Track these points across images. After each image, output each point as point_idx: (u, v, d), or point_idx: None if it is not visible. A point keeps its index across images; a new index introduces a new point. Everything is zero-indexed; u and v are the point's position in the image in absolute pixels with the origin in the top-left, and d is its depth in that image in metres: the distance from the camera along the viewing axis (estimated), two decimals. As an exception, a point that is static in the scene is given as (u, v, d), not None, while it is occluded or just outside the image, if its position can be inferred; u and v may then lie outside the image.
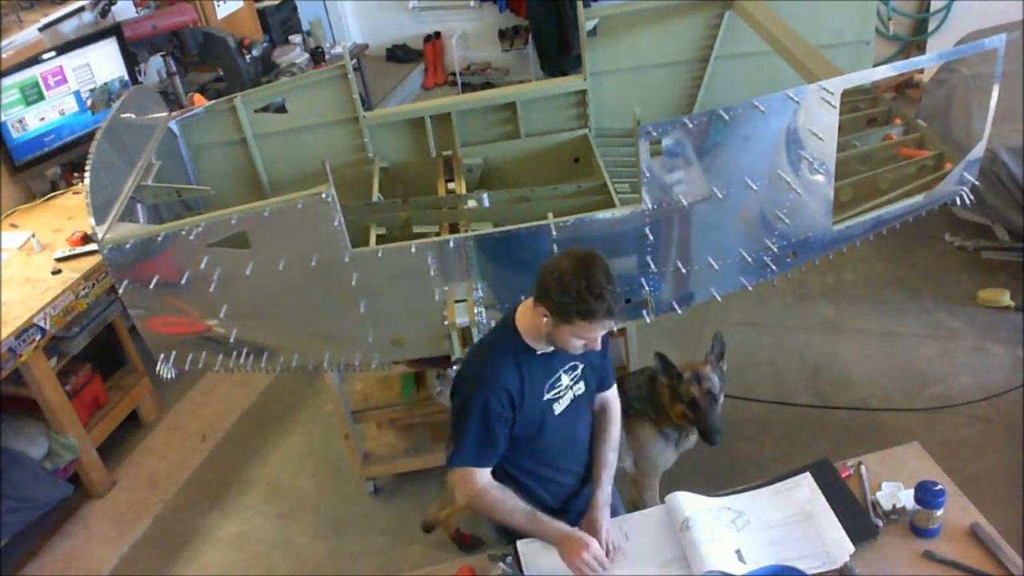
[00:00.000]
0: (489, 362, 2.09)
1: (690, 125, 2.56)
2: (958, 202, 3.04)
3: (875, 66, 3.30)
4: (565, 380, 2.18)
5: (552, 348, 2.09)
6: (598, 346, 2.06)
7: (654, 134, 2.55)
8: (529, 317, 2.06)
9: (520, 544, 2.23)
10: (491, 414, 2.04)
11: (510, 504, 2.12)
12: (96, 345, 3.86)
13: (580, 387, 2.22)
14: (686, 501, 2.22)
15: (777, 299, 4.39)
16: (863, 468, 2.29)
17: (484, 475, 2.11)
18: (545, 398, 2.14)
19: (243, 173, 3.63)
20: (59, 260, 3.60)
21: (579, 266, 1.95)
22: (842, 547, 2.07)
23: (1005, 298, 4.12)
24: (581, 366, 2.21)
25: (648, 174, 2.61)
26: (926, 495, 2.07)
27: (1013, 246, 4.40)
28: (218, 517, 3.68)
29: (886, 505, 2.17)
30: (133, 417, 4.13)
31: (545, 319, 1.99)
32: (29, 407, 3.58)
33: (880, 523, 2.13)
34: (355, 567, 3.37)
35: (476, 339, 2.69)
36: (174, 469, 3.94)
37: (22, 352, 3.28)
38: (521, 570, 2.16)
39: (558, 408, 2.17)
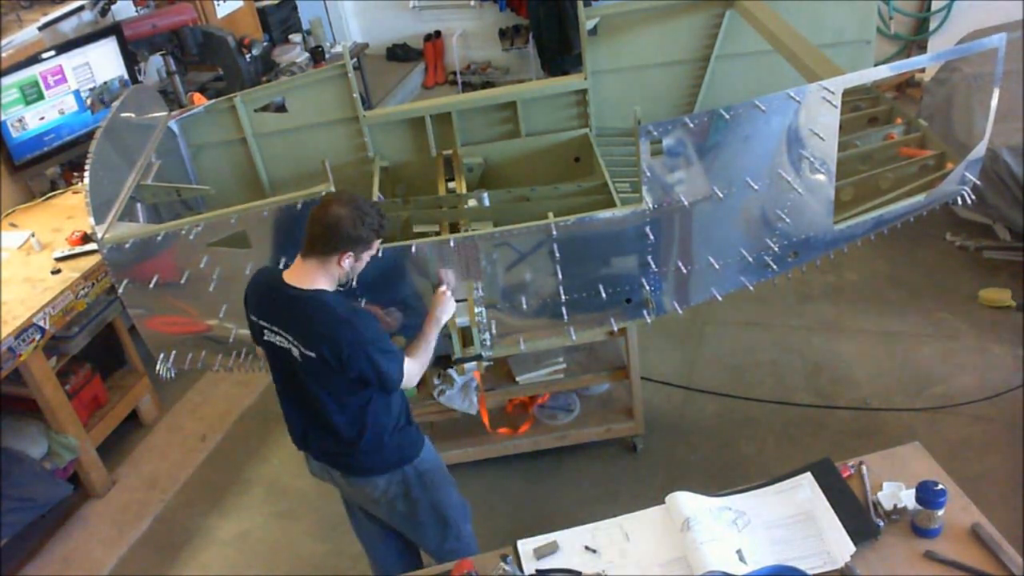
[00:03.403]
0: (349, 303, 2.41)
1: (691, 124, 2.56)
2: (959, 201, 3.03)
3: (876, 65, 3.29)
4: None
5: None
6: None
7: (655, 133, 2.55)
8: (317, 272, 2.31)
9: (520, 544, 2.23)
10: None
11: (417, 346, 2.50)
12: (96, 345, 3.86)
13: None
14: (686, 501, 2.21)
15: (778, 299, 4.38)
16: (864, 468, 2.29)
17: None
18: None
19: (243, 172, 3.62)
20: (59, 260, 3.60)
21: (351, 205, 2.27)
22: (843, 547, 2.07)
23: (1006, 298, 4.12)
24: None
25: (649, 173, 2.61)
26: (927, 495, 2.06)
27: (1014, 245, 4.40)
28: (218, 517, 3.68)
29: (887, 505, 2.17)
30: (133, 417, 4.13)
31: (348, 260, 2.30)
32: (29, 407, 3.58)
33: (881, 523, 2.13)
34: (355, 567, 3.36)
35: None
36: (174, 469, 3.94)
37: (22, 352, 3.27)
38: (521, 570, 2.16)
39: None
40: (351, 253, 2.29)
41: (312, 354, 2.30)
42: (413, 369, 2.44)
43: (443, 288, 2.67)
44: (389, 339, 2.41)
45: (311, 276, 2.32)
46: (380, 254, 2.54)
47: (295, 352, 2.35)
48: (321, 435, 2.51)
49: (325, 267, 2.30)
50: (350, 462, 2.54)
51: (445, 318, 2.62)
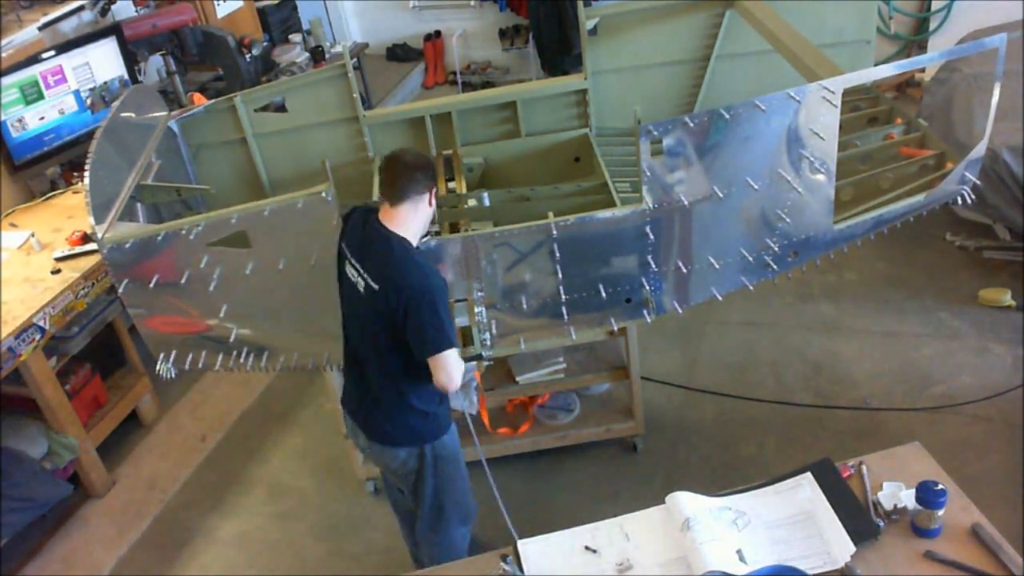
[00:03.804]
0: (428, 264, 2.47)
1: (691, 124, 2.56)
2: (959, 201, 3.03)
3: (876, 65, 3.29)
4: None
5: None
6: None
7: (655, 133, 2.55)
8: (410, 220, 2.46)
9: (520, 544, 2.23)
10: (447, 302, 2.46)
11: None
12: (96, 345, 3.86)
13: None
14: (687, 501, 2.21)
15: (778, 298, 4.39)
16: (864, 468, 2.29)
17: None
18: None
19: (243, 172, 3.62)
20: (59, 260, 3.60)
21: (410, 151, 2.53)
22: (843, 547, 2.07)
23: (1006, 298, 4.12)
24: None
25: (649, 173, 2.61)
26: (927, 495, 2.06)
27: (1014, 245, 4.40)
28: (218, 517, 3.68)
29: (887, 505, 2.17)
30: (133, 417, 4.13)
31: (432, 195, 2.50)
32: (29, 407, 3.58)
33: (881, 523, 2.13)
34: (355, 567, 3.37)
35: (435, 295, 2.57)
36: (174, 469, 3.94)
37: (22, 352, 3.27)
38: (521, 569, 2.16)
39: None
40: (435, 189, 2.50)
41: (376, 287, 2.40)
42: (457, 361, 2.44)
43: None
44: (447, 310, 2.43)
45: (403, 221, 2.45)
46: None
47: (361, 285, 2.44)
48: (361, 391, 2.60)
49: (417, 209, 2.46)
50: (376, 425, 2.60)
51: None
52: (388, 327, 2.41)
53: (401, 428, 2.57)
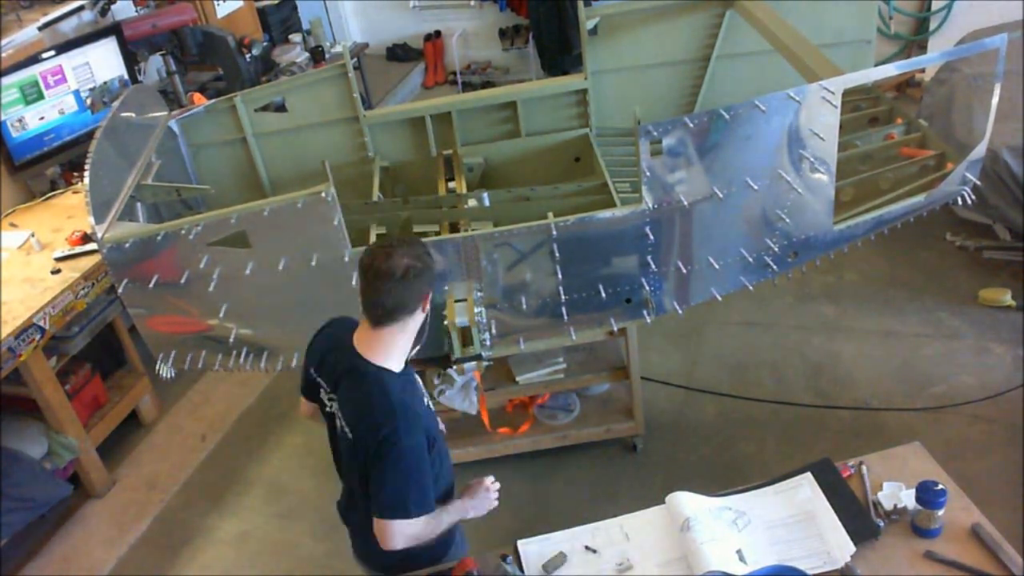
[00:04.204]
0: (403, 408, 2.00)
1: (691, 124, 2.56)
2: (959, 202, 3.03)
3: (876, 65, 3.29)
4: (415, 376, 2.18)
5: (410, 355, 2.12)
6: None
7: (655, 133, 2.55)
8: (391, 342, 2.03)
9: (520, 544, 2.23)
10: (421, 459, 2.01)
11: (435, 517, 2.09)
12: (96, 345, 3.86)
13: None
14: (687, 501, 2.21)
15: (778, 299, 4.39)
16: (864, 468, 2.29)
17: (422, 518, 2.06)
18: (426, 403, 2.17)
19: (243, 172, 3.62)
20: (59, 260, 3.60)
21: (402, 246, 1.99)
22: (843, 547, 2.07)
23: (1006, 298, 4.12)
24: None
25: (649, 173, 2.61)
26: (927, 495, 2.06)
27: (1014, 245, 4.40)
28: (218, 517, 3.68)
29: (887, 505, 2.17)
30: (133, 417, 4.13)
31: (428, 305, 2.06)
32: (29, 407, 3.58)
33: (881, 523, 2.13)
34: (355, 567, 3.35)
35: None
36: (174, 469, 3.94)
37: (22, 352, 3.27)
38: (521, 570, 2.16)
39: (428, 402, 2.21)
40: (429, 292, 2.05)
41: (350, 435, 2.05)
42: (411, 530, 2.03)
43: (490, 481, 2.24)
44: (427, 470, 2.05)
45: (383, 347, 2.04)
46: None
47: (337, 422, 2.12)
48: (348, 505, 2.35)
49: (406, 328, 2.03)
50: (359, 548, 2.35)
51: (472, 514, 2.20)
52: (363, 472, 2.05)
53: (382, 560, 2.23)
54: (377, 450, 1.97)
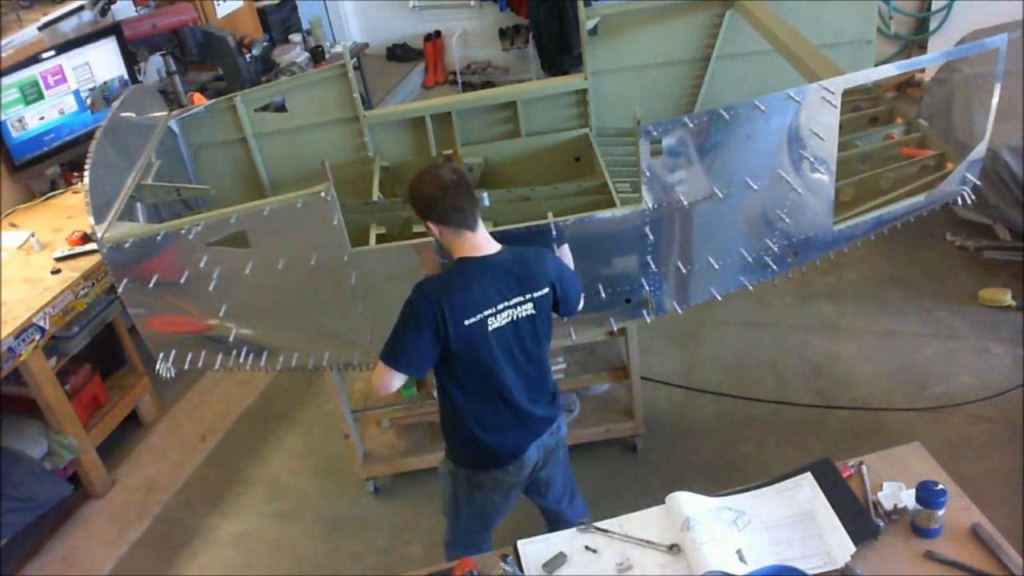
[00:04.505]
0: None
1: (690, 124, 2.56)
2: (959, 202, 3.03)
3: (876, 65, 3.29)
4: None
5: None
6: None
7: (654, 133, 2.55)
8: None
9: (520, 544, 2.23)
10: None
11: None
12: (96, 345, 3.86)
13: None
14: (687, 501, 2.21)
15: (778, 298, 4.39)
16: (864, 468, 2.29)
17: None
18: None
19: (243, 172, 3.62)
20: (58, 260, 3.60)
21: (440, 167, 2.34)
22: (843, 547, 2.07)
23: (1006, 298, 4.12)
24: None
25: (648, 173, 2.61)
26: (927, 495, 2.06)
27: (1014, 245, 4.40)
28: (218, 517, 3.68)
29: (887, 505, 2.17)
30: (133, 417, 4.13)
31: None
32: (29, 407, 3.58)
33: (881, 523, 2.13)
34: (355, 567, 3.36)
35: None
36: (174, 469, 3.94)
37: (22, 352, 3.27)
38: (521, 569, 2.16)
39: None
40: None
41: (544, 291, 2.35)
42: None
43: None
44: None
45: (489, 238, 2.36)
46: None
47: (527, 309, 2.33)
48: (538, 397, 2.50)
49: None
50: (552, 407, 2.57)
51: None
52: (549, 316, 2.44)
53: (557, 392, 2.60)
54: (561, 274, 2.43)
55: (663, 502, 2.26)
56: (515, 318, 2.33)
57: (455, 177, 2.28)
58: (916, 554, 2.06)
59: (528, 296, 2.33)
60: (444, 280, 2.31)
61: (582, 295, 2.52)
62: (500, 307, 2.30)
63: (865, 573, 2.02)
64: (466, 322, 2.26)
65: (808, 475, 2.28)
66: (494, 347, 2.32)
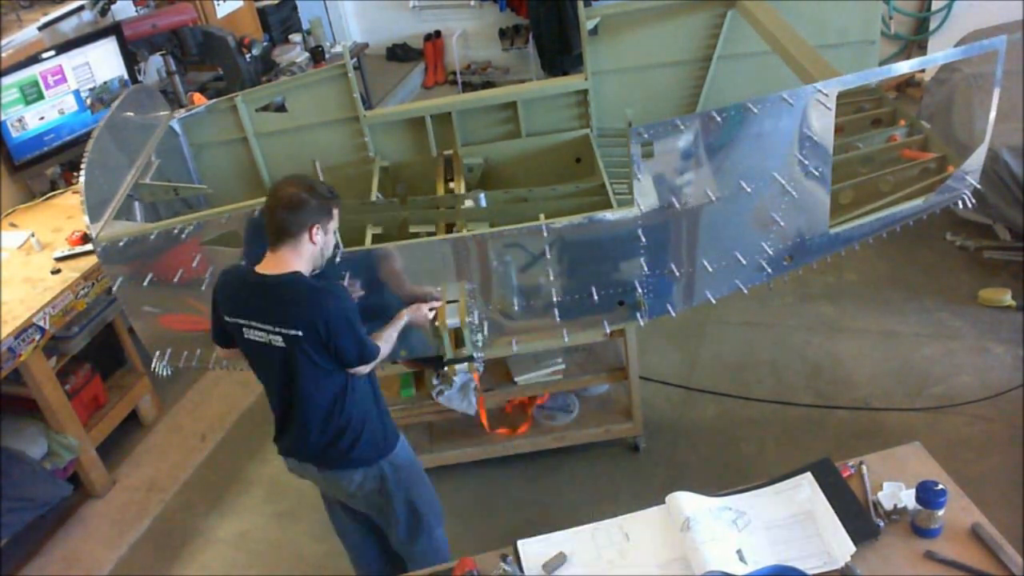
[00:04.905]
0: (328, 283, 2.43)
1: (682, 127, 2.55)
2: (960, 204, 3.02)
3: (879, 65, 3.29)
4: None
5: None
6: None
7: (645, 136, 2.53)
8: (295, 258, 2.34)
9: (520, 544, 2.23)
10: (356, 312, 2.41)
11: (385, 336, 2.56)
12: (96, 345, 3.86)
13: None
14: (687, 501, 2.21)
15: (778, 299, 4.38)
16: (864, 468, 2.29)
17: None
18: None
19: (245, 172, 3.62)
20: (58, 260, 3.60)
21: (297, 182, 2.34)
22: (843, 547, 2.07)
23: (1006, 298, 4.12)
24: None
25: (640, 176, 2.60)
26: (927, 495, 2.06)
27: (1014, 245, 4.40)
28: (218, 517, 3.68)
29: (887, 505, 2.16)
30: (133, 417, 4.13)
31: (318, 233, 2.34)
32: (29, 407, 3.58)
33: (881, 523, 2.13)
34: (354, 567, 3.36)
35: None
36: (174, 469, 3.94)
37: (22, 352, 3.27)
38: (521, 570, 2.16)
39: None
40: (318, 225, 2.33)
41: (297, 332, 2.32)
42: (382, 351, 2.51)
43: (430, 305, 2.71)
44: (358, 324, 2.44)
45: (285, 262, 2.34)
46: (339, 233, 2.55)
47: (277, 340, 2.36)
48: (299, 430, 2.53)
49: (298, 250, 2.33)
50: (326, 455, 2.56)
51: (404, 322, 2.67)
52: (315, 359, 2.37)
53: (351, 450, 2.53)
54: (333, 327, 2.31)
55: (663, 502, 2.26)
56: (268, 341, 2.38)
57: (274, 197, 2.34)
58: (916, 554, 2.06)
59: (275, 329, 2.34)
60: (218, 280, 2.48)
61: (369, 359, 2.43)
62: (252, 323, 2.38)
63: (865, 573, 2.02)
64: (226, 318, 2.42)
65: (808, 475, 2.28)
66: (250, 353, 2.47)
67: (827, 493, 2.21)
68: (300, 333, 2.32)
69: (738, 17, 3.43)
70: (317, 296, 2.33)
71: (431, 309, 2.68)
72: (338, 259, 2.68)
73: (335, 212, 2.39)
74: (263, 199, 2.66)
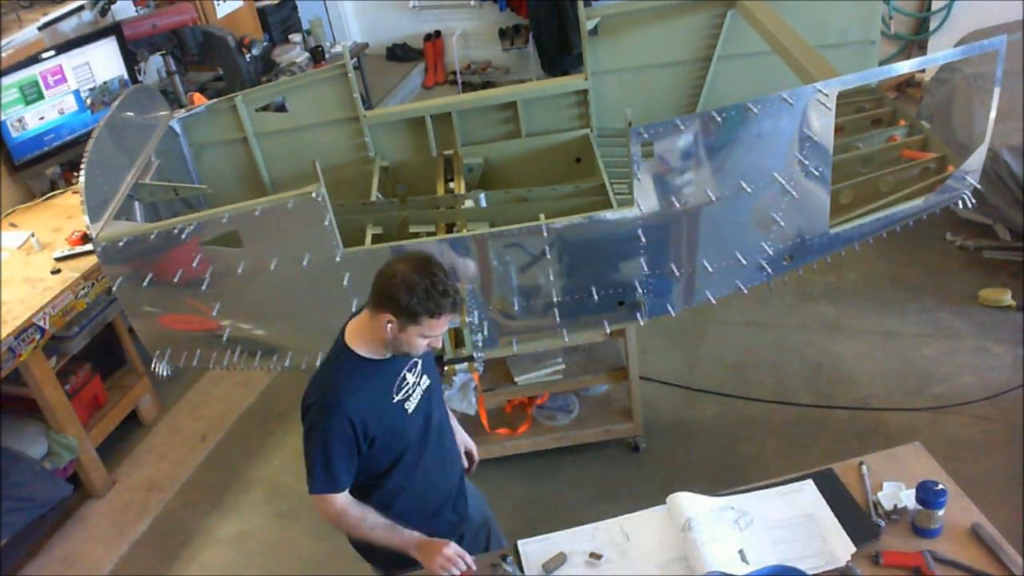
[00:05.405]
0: (330, 388, 2.10)
1: (682, 127, 2.55)
2: (959, 204, 3.02)
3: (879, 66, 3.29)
4: (410, 378, 2.20)
5: (391, 354, 2.13)
6: (439, 343, 2.14)
7: (645, 136, 2.54)
8: (367, 329, 2.09)
9: (520, 544, 2.23)
10: (334, 439, 2.06)
11: (371, 520, 2.16)
12: (96, 345, 3.86)
13: (425, 380, 2.25)
14: (688, 502, 2.21)
15: (778, 299, 4.38)
16: (864, 468, 2.29)
17: (339, 499, 2.13)
18: (395, 400, 2.16)
19: (245, 172, 3.63)
20: (58, 260, 3.60)
21: (419, 268, 2.02)
22: (844, 547, 2.07)
23: (1006, 298, 4.12)
24: (419, 362, 2.24)
25: (640, 176, 2.60)
26: (927, 495, 2.06)
27: (1014, 245, 4.40)
28: (218, 517, 3.68)
29: (887, 505, 2.17)
30: (133, 417, 4.13)
31: (390, 325, 2.03)
32: (29, 407, 3.58)
33: (882, 523, 2.13)
34: (355, 567, 3.34)
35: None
36: (174, 469, 3.94)
37: (22, 352, 3.27)
38: (521, 569, 2.16)
39: (410, 406, 2.20)
40: (392, 318, 2.01)
41: None
42: (332, 508, 2.13)
43: (450, 551, 2.13)
44: (349, 453, 2.10)
45: (359, 329, 2.13)
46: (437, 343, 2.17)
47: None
48: None
49: (371, 323, 2.07)
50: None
51: (414, 556, 2.17)
52: None
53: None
54: (303, 422, 2.10)
55: (663, 502, 2.26)
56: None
57: (391, 262, 2.09)
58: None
59: None
60: None
61: (310, 488, 2.11)
62: None
63: (865, 573, 2.02)
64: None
65: (809, 481, 2.28)
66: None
67: (828, 498, 2.21)
68: None
69: (738, 17, 3.43)
70: (306, 394, 2.12)
71: (441, 568, 2.12)
72: (338, 259, 2.68)
73: (426, 322, 2.02)
74: (264, 199, 2.68)
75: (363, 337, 2.11)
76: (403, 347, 2.08)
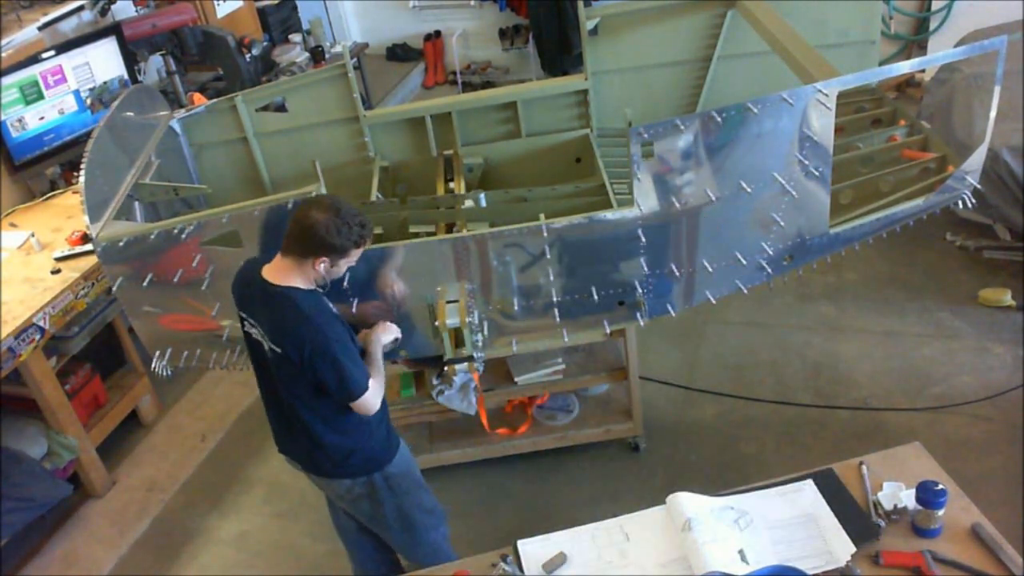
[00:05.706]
0: (318, 309, 2.34)
1: (682, 127, 2.55)
2: (959, 204, 3.02)
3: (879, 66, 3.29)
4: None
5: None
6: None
7: (645, 135, 2.54)
8: (297, 273, 2.32)
9: (520, 544, 2.23)
10: (347, 342, 2.37)
11: (378, 368, 2.49)
12: (96, 345, 3.86)
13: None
14: (688, 502, 2.21)
15: (778, 299, 4.39)
16: (864, 468, 2.29)
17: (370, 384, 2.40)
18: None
19: (245, 172, 3.63)
20: (58, 260, 3.60)
21: (331, 209, 2.26)
22: (844, 547, 2.07)
23: (1006, 298, 4.12)
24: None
25: (640, 176, 2.60)
26: (927, 495, 2.06)
27: (1014, 245, 4.40)
28: (218, 517, 3.68)
29: (887, 505, 2.16)
30: (133, 417, 4.13)
31: (323, 265, 2.29)
32: (29, 407, 3.58)
33: (882, 523, 2.13)
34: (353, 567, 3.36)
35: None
36: (174, 469, 3.94)
37: (21, 352, 3.27)
38: (521, 569, 2.16)
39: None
40: (325, 259, 2.29)
41: (279, 350, 2.32)
42: (375, 388, 2.40)
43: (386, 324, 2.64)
44: (357, 351, 2.40)
45: (286, 273, 2.32)
46: (359, 262, 2.45)
47: (266, 346, 2.38)
48: (291, 434, 2.54)
49: (301, 267, 2.31)
50: (314, 462, 2.56)
51: (385, 339, 2.60)
52: (301, 379, 2.35)
53: (342, 463, 2.52)
54: (312, 357, 2.28)
55: (663, 502, 2.26)
56: (264, 344, 2.39)
57: (302, 210, 2.31)
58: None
59: (267, 336, 2.36)
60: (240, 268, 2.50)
61: (353, 393, 2.34)
62: (252, 320, 2.42)
63: (865, 573, 2.02)
64: (236, 306, 2.49)
65: (809, 482, 2.28)
66: (249, 347, 2.50)
67: (828, 499, 2.21)
68: (282, 352, 2.32)
69: (738, 17, 3.43)
70: (299, 325, 2.29)
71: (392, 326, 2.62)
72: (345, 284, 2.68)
73: (354, 252, 2.34)
74: (263, 199, 2.68)
75: (295, 280, 2.32)
76: (332, 278, 2.38)
